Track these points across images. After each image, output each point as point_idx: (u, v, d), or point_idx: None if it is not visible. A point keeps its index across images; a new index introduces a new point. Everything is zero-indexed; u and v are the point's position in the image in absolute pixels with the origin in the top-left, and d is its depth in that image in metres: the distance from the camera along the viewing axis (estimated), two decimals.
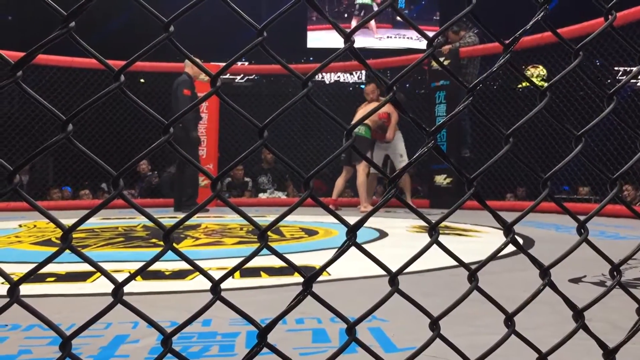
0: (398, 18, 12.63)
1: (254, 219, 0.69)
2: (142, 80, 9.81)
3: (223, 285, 0.67)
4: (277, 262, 2.33)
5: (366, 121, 6.41)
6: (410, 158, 0.71)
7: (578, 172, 6.63)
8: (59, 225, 0.57)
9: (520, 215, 0.77)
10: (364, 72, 9.73)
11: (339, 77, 12.30)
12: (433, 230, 0.72)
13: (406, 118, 0.68)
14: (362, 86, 8.18)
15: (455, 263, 0.78)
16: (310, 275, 0.67)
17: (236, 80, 11.43)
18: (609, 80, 6.71)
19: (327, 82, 12.07)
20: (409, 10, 13.31)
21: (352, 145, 0.72)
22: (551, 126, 6.50)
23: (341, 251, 0.67)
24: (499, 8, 9.17)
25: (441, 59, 6.99)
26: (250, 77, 11.19)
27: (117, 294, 0.62)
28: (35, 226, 4.47)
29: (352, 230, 0.68)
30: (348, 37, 0.65)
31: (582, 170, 6.53)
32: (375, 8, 12.70)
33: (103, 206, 0.59)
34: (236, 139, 8.48)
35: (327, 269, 2.17)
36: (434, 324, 0.74)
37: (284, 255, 0.70)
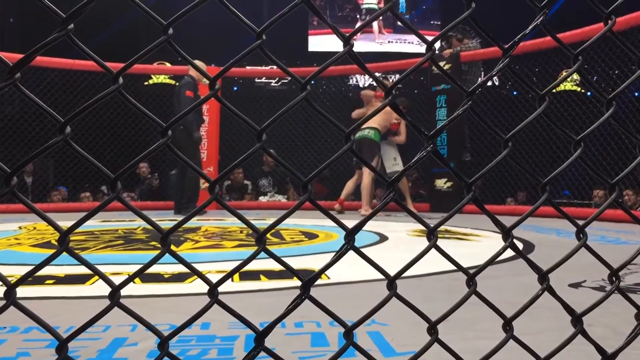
0: (399, 23, 12.63)
1: (254, 222, 0.68)
2: (176, 83, 9.97)
3: (222, 289, 0.67)
4: (277, 266, 2.32)
5: (376, 126, 6.44)
6: (409, 162, 0.70)
7: (578, 177, 6.61)
8: (56, 227, 0.57)
9: (519, 219, 0.77)
10: (397, 75, 9.73)
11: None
12: (431, 234, 0.71)
13: (405, 122, 0.68)
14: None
15: (454, 267, 0.77)
16: (308, 278, 0.66)
17: (271, 84, 11.33)
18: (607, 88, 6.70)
19: (361, 86, 11.98)
20: (409, 15, 13.33)
21: (351, 149, 0.72)
22: (552, 131, 6.49)
23: (339, 255, 0.67)
24: (500, 13, 9.18)
25: (442, 63, 7.02)
26: (285, 81, 11.06)
27: (114, 296, 0.61)
28: (35, 228, 4.47)
29: (350, 234, 0.68)
30: (347, 41, 0.65)
31: (583, 175, 6.52)
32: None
33: (100, 209, 0.59)
34: (237, 141, 8.48)
35: (327, 273, 2.18)
36: (432, 328, 0.73)
37: (283, 258, 0.70)
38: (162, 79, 10.66)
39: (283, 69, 0.71)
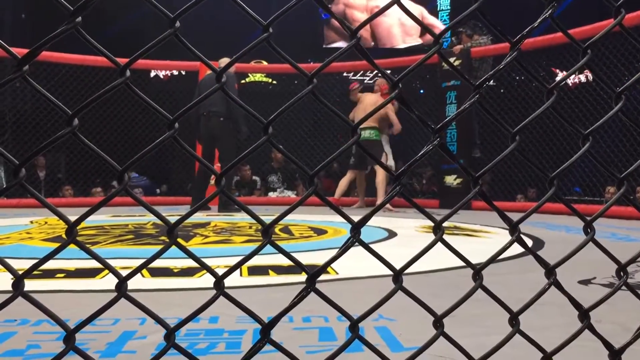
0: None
1: (263, 217, 0.69)
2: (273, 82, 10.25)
3: (231, 283, 0.67)
4: (285, 261, 2.33)
5: (375, 124, 6.57)
6: (415, 156, 0.69)
7: (589, 174, 6.55)
8: (64, 219, 0.57)
9: (526, 214, 0.76)
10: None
11: None
12: (438, 228, 0.71)
13: (412, 116, 0.68)
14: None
15: (463, 263, 0.77)
16: (314, 272, 0.67)
17: (365, 81, 11.15)
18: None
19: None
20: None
21: (362, 147, 0.72)
22: (562, 126, 6.43)
23: (345, 248, 0.67)
24: (510, 7, 9.12)
25: (452, 59, 7.00)
26: (379, 77, 10.76)
27: (121, 288, 0.62)
28: (46, 222, 4.51)
29: (356, 228, 0.68)
30: (354, 34, 0.65)
31: (594, 171, 6.46)
32: None
33: (108, 200, 0.60)
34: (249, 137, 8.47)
35: (335, 268, 2.18)
36: (438, 322, 0.73)
37: (291, 253, 0.70)
38: (258, 77, 11.17)
39: (291, 63, 0.71)
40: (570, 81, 8.54)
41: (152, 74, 10.39)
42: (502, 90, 7.76)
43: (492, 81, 8.73)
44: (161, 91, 8.82)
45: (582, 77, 8.47)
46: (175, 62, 8.25)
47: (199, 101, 0.65)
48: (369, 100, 6.81)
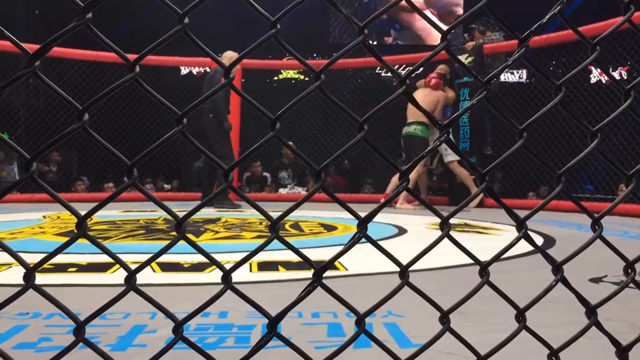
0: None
1: (273, 214, 0.69)
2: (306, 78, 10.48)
3: (240, 279, 0.68)
4: (295, 257, 2.34)
5: (423, 119, 6.21)
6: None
7: (602, 172, 6.50)
8: (74, 212, 0.58)
9: (533, 210, 0.76)
10: (524, 71, 9.67)
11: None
12: (444, 224, 0.71)
13: (420, 111, 0.68)
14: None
15: (472, 261, 0.77)
16: (320, 267, 0.67)
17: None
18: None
19: None
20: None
21: (365, 139, 0.72)
22: (575, 125, 6.39)
23: (351, 243, 0.67)
24: (524, 4, 9.06)
25: (465, 55, 6.95)
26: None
27: (130, 281, 0.63)
28: (59, 217, 4.54)
29: (362, 223, 0.68)
30: (362, 30, 0.65)
31: (607, 169, 6.41)
32: None
33: (118, 194, 0.60)
34: (257, 134, 8.49)
35: (345, 265, 2.18)
36: (444, 318, 0.73)
37: (300, 249, 0.70)
38: (291, 73, 11.53)
39: (299, 59, 0.71)
40: (604, 79, 8.42)
41: (185, 71, 10.47)
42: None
43: (525, 78, 8.60)
44: (193, 88, 8.86)
45: (616, 75, 8.30)
46: (199, 58, 8.31)
47: (207, 97, 0.66)
48: (419, 95, 6.36)
